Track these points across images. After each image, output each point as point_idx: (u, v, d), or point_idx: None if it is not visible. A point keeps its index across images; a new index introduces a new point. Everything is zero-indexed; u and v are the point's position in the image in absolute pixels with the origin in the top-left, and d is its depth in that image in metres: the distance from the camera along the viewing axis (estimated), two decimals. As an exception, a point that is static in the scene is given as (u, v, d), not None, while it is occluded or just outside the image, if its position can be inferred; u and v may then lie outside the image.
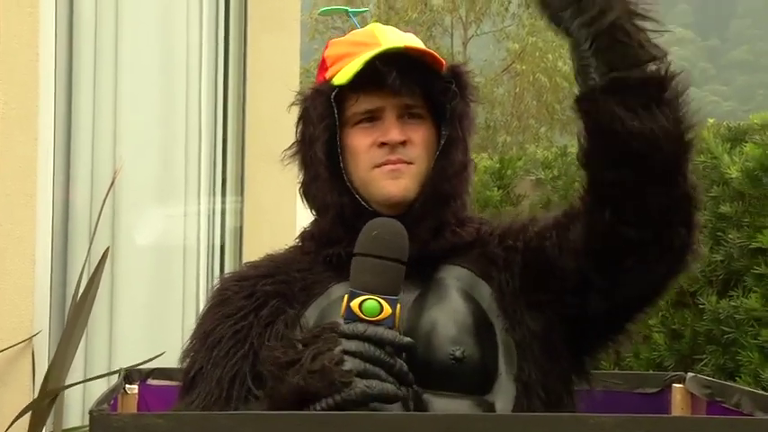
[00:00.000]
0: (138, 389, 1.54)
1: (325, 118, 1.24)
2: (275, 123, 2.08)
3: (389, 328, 1.08)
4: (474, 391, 1.15)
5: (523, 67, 15.66)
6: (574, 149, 1.55)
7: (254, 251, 1.50)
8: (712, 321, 2.89)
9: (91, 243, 2.59)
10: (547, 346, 1.22)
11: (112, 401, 1.38)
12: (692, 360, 3.00)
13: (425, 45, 1.35)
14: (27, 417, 2.35)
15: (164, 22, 2.86)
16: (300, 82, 3.27)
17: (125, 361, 1.99)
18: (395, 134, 1.24)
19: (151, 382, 1.58)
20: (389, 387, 1.06)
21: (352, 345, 1.06)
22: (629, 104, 1.06)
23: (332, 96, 1.23)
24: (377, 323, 1.07)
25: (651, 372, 2.98)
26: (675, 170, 1.10)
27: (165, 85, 2.88)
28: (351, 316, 1.08)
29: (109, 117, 2.71)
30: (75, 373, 2.53)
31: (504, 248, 1.25)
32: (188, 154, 2.85)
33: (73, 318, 2.47)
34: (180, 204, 2.88)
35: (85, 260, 2.54)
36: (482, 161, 4.91)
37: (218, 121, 2.90)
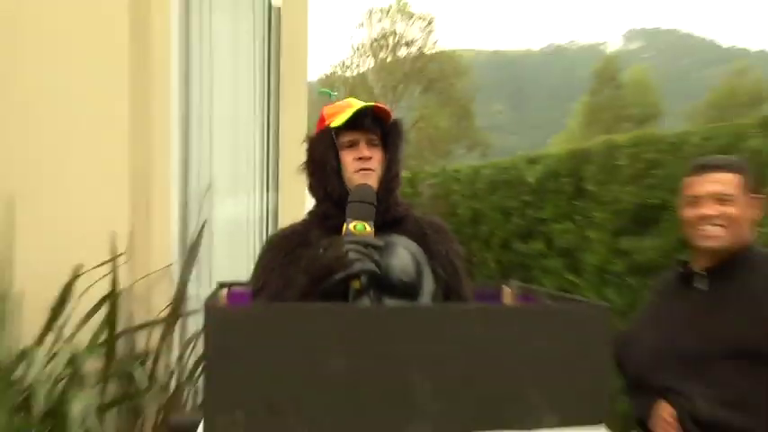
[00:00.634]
0: (227, 294, 1.60)
1: (331, 145, 1.39)
2: (295, 152, 1.80)
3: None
4: (409, 299, 1.24)
5: (422, 125, 25.70)
6: (448, 168, 2.53)
7: (285, 222, 1.59)
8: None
9: (199, 215, 2.88)
10: (453, 276, 1.39)
11: (214, 301, 1.37)
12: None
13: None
14: (168, 309, 2.68)
15: (236, 94, 3.12)
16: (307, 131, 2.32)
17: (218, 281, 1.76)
18: (365, 153, 1.38)
19: (234, 289, 1.62)
20: (371, 266, 1.18)
21: (351, 245, 1.19)
22: None
23: (333, 133, 1.39)
24: (363, 236, 1.20)
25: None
26: None
27: (237, 130, 3.14)
28: (348, 233, 1.21)
29: (206, 145, 2.99)
30: (190, 284, 2.81)
31: (425, 233, 1.41)
32: (248, 167, 3.15)
33: (189, 256, 2.83)
34: (245, 196, 3.12)
35: (197, 225, 2.85)
36: (404, 173, 4.95)
37: (266, 149, 3.15)
